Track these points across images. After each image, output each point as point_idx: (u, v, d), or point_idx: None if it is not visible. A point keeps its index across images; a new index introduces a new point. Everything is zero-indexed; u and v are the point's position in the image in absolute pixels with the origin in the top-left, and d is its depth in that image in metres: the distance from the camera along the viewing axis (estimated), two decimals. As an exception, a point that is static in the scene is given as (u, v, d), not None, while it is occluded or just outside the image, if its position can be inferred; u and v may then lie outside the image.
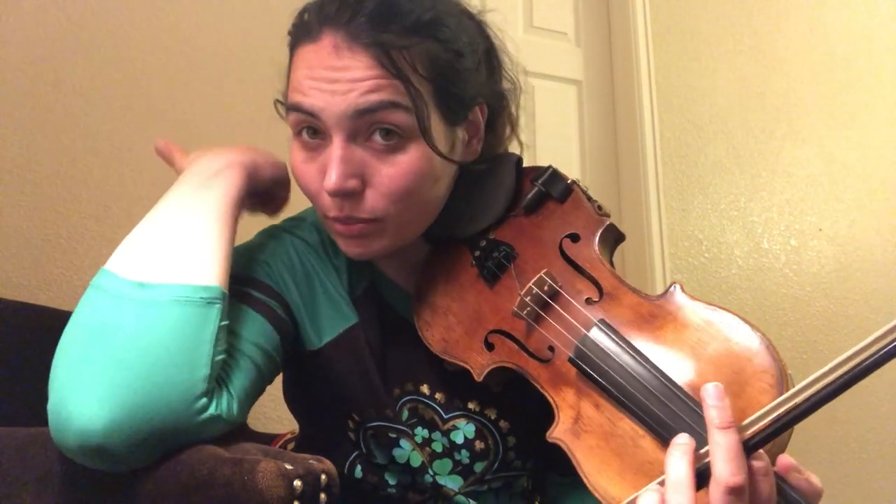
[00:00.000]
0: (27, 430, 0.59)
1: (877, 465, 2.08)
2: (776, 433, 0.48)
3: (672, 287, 0.62)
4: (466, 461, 0.76)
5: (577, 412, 0.60)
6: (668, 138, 2.06)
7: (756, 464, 0.49)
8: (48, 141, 1.34)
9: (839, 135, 2.24)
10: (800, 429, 0.50)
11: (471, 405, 0.76)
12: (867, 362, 0.44)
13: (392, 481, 0.76)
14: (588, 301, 0.65)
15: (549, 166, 0.75)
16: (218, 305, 0.58)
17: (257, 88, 0.86)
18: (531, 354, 0.66)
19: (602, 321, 0.62)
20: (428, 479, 0.75)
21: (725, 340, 0.57)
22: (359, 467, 0.76)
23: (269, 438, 1.08)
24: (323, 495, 0.52)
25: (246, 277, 0.69)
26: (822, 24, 2.29)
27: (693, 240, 2.05)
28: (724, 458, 0.48)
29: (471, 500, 0.77)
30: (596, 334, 0.61)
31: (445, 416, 0.76)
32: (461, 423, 0.76)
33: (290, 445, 1.00)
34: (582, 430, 0.59)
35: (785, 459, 0.54)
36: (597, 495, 0.56)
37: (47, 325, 1.04)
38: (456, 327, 0.71)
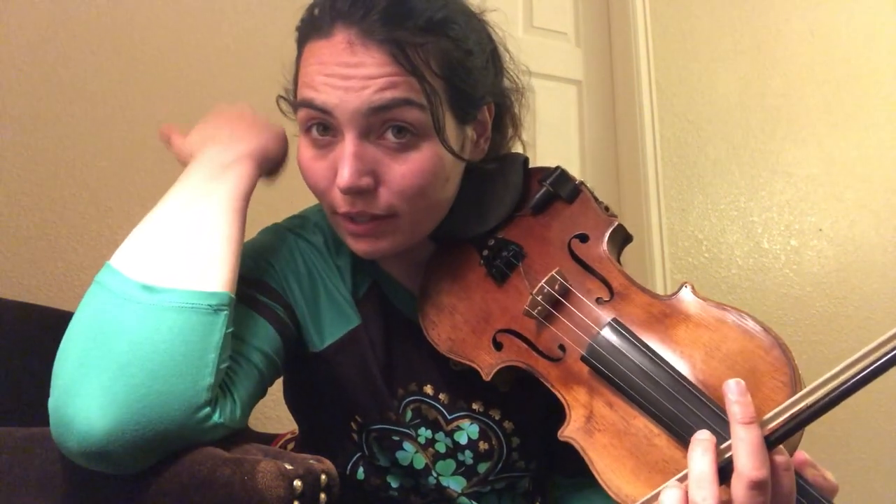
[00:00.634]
0: (27, 430, 0.59)
1: (877, 466, 2.08)
2: (797, 428, 0.49)
3: (683, 287, 0.62)
4: (470, 462, 0.76)
5: (590, 411, 0.60)
6: (668, 138, 2.06)
7: (778, 458, 0.49)
8: (48, 141, 1.34)
9: (839, 135, 2.24)
10: (800, 429, 0.51)
11: (475, 406, 0.76)
12: (888, 356, 0.44)
13: (394, 484, 0.76)
14: (599, 300, 0.65)
15: (558, 167, 0.75)
16: (225, 312, 0.57)
17: (259, 86, 0.86)
18: (541, 353, 0.66)
19: (615, 320, 0.62)
20: (431, 481, 0.74)
21: (738, 340, 0.57)
22: (361, 469, 0.75)
23: (269, 438, 1.08)
24: (323, 495, 0.52)
25: (251, 280, 0.68)
26: (822, 24, 2.29)
27: (693, 240, 2.04)
28: (748, 452, 0.48)
29: (473, 502, 0.77)
30: (609, 333, 0.61)
31: (449, 417, 0.76)
32: (465, 423, 0.76)
33: (290, 445, 1.00)
34: (595, 428, 0.59)
35: (801, 455, 0.54)
36: (610, 494, 0.56)
37: (47, 325, 1.04)
38: (463, 326, 0.71)
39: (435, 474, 0.75)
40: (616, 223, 0.69)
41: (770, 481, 0.48)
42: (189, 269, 0.57)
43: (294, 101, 0.68)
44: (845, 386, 0.47)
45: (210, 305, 0.56)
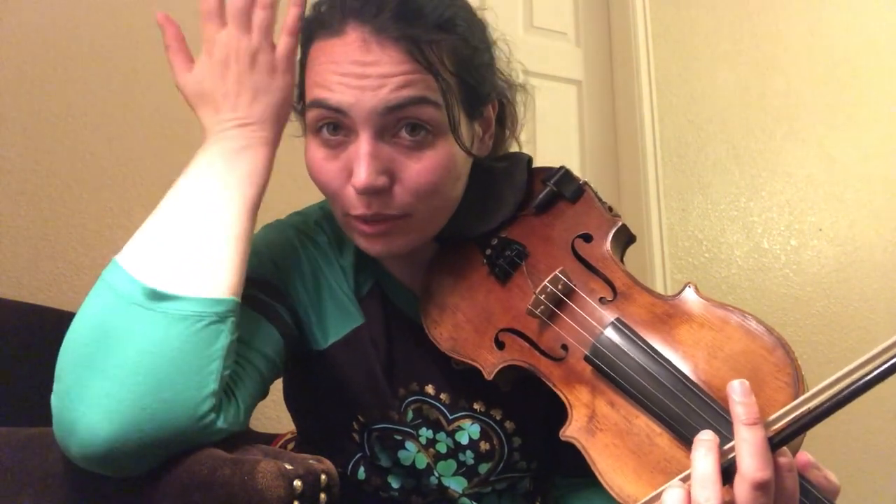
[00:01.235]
0: (27, 430, 0.59)
1: (878, 466, 2.08)
2: (800, 430, 0.49)
3: (686, 287, 0.62)
4: (471, 462, 0.76)
5: (592, 410, 0.60)
6: (668, 138, 2.06)
7: (781, 460, 0.49)
8: (48, 141, 1.34)
9: (839, 135, 2.24)
10: (801, 430, 0.51)
11: (476, 406, 0.76)
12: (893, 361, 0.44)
13: (395, 484, 0.75)
14: (602, 300, 0.65)
15: (562, 167, 0.75)
16: (231, 319, 0.56)
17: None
18: (544, 353, 0.66)
19: (618, 320, 0.62)
20: (433, 481, 0.74)
21: (741, 340, 0.57)
22: (362, 469, 0.75)
23: (269, 438, 1.08)
24: (323, 495, 0.52)
25: (254, 279, 0.68)
26: (822, 24, 2.29)
27: (693, 240, 2.05)
28: (751, 453, 0.48)
29: (474, 502, 0.77)
30: (612, 333, 0.61)
31: (450, 417, 0.75)
32: (466, 423, 0.75)
33: (290, 445, 1.00)
34: (597, 428, 0.59)
35: (804, 457, 0.54)
36: (612, 494, 0.56)
37: (47, 325, 1.04)
38: (465, 326, 0.71)
39: (436, 474, 0.74)
40: (620, 223, 0.69)
41: (773, 482, 0.48)
42: (198, 275, 0.56)
43: (302, 102, 0.67)
44: (851, 389, 0.46)
45: (217, 314, 0.55)
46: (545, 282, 0.66)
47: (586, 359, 0.61)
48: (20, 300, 1.16)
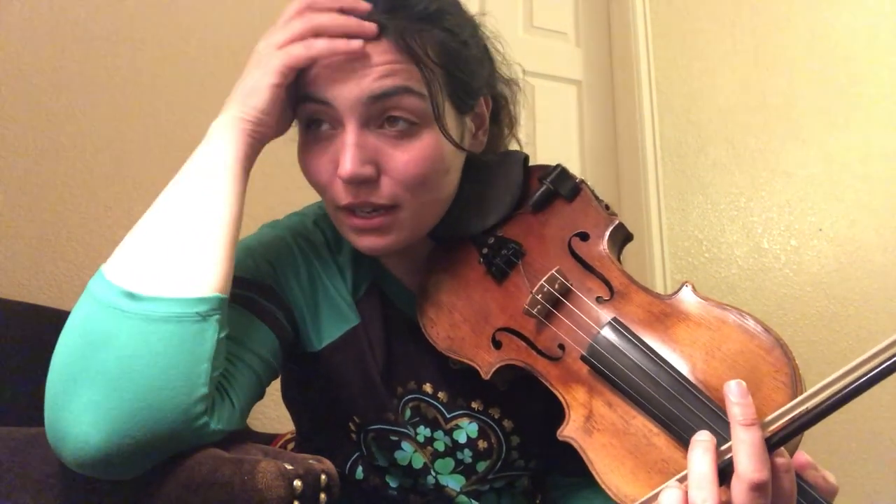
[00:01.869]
0: (27, 430, 0.58)
1: (877, 466, 2.07)
2: (798, 431, 0.49)
3: (684, 286, 0.62)
4: (469, 460, 0.76)
5: (589, 410, 0.60)
6: (668, 138, 2.06)
7: (778, 460, 0.49)
8: (48, 141, 1.34)
9: (839, 135, 2.24)
10: (800, 429, 0.51)
11: (474, 404, 0.76)
12: (891, 361, 0.44)
13: (393, 483, 0.75)
14: (599, 300, 0.65)
15: (558, 165, 0.75)
16: (215, 317, 0.54)
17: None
18: (541, 352, 0.66)
19: (615, 319, 0.62)
20: (430, 480, 0.74)
21: (739, 340, 0.57)
22: (360, 468, 0.75)
23: (269, 438, 1.08)
24: (323, 495, 0.52)
25: (250, 281, 0.68)
26: (822, 24, 2.29)
27: (693, 240, 2.05)
28: (748, 454, 0.48)
29: (472, 500, 0.77)
30: (609, 332, 0.61)
31: (448, 416, 0.75)
32: (464, 422, 0.75)
33: (290, 445, 1.00)
34: (594, 428, 0.59)
35: (801, 457, 0.54)
36: (609, 494, 0.56)
37: (47, 325, 1.04)
38: (462, 325, 0.71)
39: (434, 473, 0.74)
40: (617, 222, 0.69)
41: (770, 483, 0.48)
42: (175, 274, 0.54)
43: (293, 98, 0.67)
44: (848, 389, 0.46)
45: (198, 313, 0.53)
46: (542, 281, 0.66)
47: (583, 359, 0.61)
48: (20, 300, 1.16)
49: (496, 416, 0.76)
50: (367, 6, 0.63)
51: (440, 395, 0.76)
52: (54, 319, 1.03)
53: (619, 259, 0.70)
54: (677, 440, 0.55)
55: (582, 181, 0.73)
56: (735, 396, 0.50)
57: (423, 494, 0.76)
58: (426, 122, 0.64)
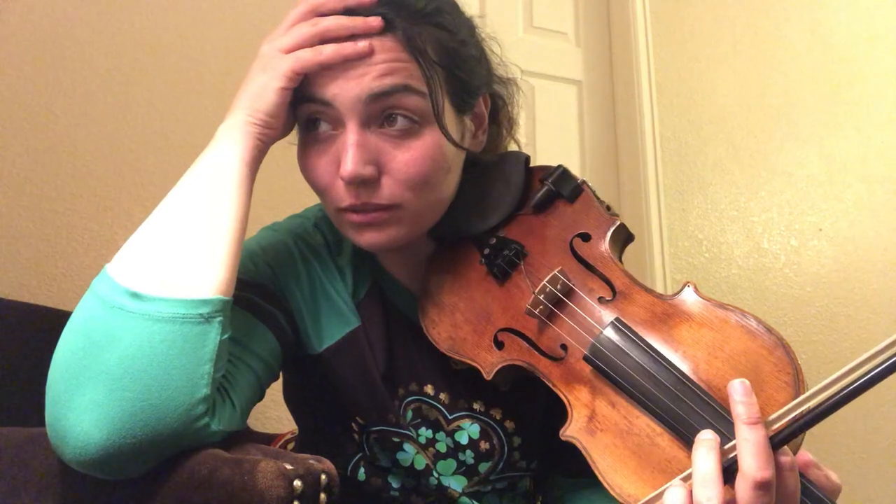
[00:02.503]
0: (27, 430, 0.58)
1: (878, 465, 2.07)
2: (801, 429, 0.49)
3: (686, 286, 0.62)
4: (471, 462, 0.76)
5: (592, 410, 0.60)
6: (668, 138, 2.06)
7: (782, 459, 0.49)
8: (48, 141, 1.34)
9: (839, 135, 2.24)
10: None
11: (476, 405, 0.76)
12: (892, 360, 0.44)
13: (395, 484, 0.75)
14: (601, 300, 0.65)
15: (560, 166, 0.75)
16: (218, 319, 0.55)
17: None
18: (543, 353, 0.66)
19: (618, 319, 0.62)
20: (433, 481, 0.74)
21: (742, 340, 0.57)
22: (362, 469, 0.75)
23: (269, 438, 1.08)
24: (323, 495, 0.52)
25: (251, 283, 0.68)
26: (822, 24, 2.29)
27: (693, 240, 2.04)
28: (753, 452, 0.48)
29: (474, 501, 0.77)
30: (611, 332, 0.61)
31: (450, 417, 0.75)
32: (466, 423, 0.75)
33: (290, 445, 1.00)
34: (597, 428, 0.59)
35: (804, 456, 0.54)
36: (613, 494, 0.56)
37: (47, 325, 1.04)
38: (463, 325, 0.71)
39: (436, 474, 0.74)
40: (618, 222, 0.69)
41: (774, 481, 0.48)
42: (179, 275, 0.54)
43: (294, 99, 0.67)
44: (849, 389, 0.46)
45: (201, 314, 0.53)
46: (544, 281, 0.66)
47: (586, 359, 0.61)
48: (20, 300, 1.16)
49: (498, 417, 0.76)
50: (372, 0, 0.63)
51: (442, 396, 0.76)
52: (54, 319, 1.04)
53: (620, 259, 0.70)
54: (680, 440, 0.55)
55: (583, 182, 0.73)
56: (739, 395, 0.50)
57: (426, 495, 0.76)
58: (426, 122, 0.64)
